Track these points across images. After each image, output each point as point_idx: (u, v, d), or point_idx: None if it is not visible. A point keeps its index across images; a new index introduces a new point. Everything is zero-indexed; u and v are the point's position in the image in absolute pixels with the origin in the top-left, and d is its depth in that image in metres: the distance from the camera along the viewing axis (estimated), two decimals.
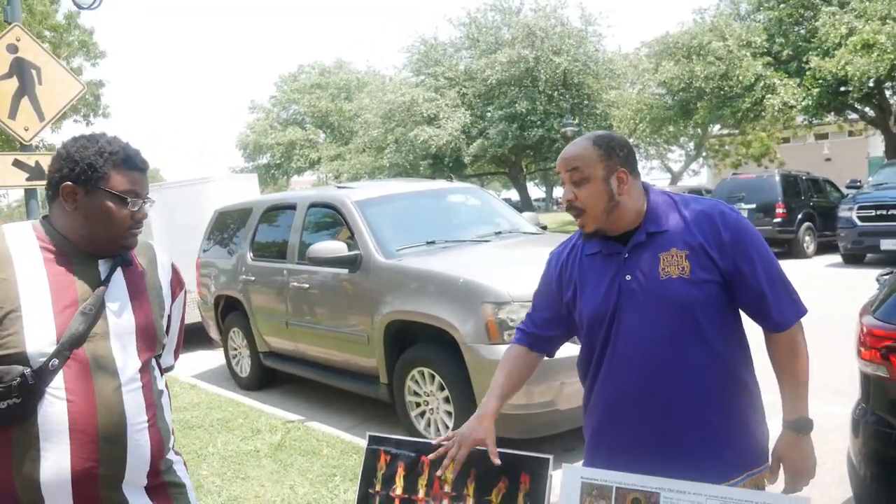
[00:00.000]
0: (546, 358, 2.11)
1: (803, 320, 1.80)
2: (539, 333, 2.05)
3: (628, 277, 1.78)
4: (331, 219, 5.80)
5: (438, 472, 2.02)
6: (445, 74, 27.63)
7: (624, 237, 1.81)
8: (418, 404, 4.70)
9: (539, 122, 25.65)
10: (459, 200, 6.23)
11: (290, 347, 6.08)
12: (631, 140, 27.43)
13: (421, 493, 2.08)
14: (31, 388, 1.52)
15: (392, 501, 2.10)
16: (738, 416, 1.78)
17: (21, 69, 6.07)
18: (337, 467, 4.18)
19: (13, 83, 6.05)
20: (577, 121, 25.21)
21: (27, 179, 6.10)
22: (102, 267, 1.70)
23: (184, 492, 1.83)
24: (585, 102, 26.62)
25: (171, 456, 1.82)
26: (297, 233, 6.01)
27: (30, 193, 6.32)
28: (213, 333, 7.37)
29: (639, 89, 24.77)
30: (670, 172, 32.37)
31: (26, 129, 6.10)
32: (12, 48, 6.06)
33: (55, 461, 1.55)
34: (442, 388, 4.50)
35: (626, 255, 1.79)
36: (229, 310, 6.95)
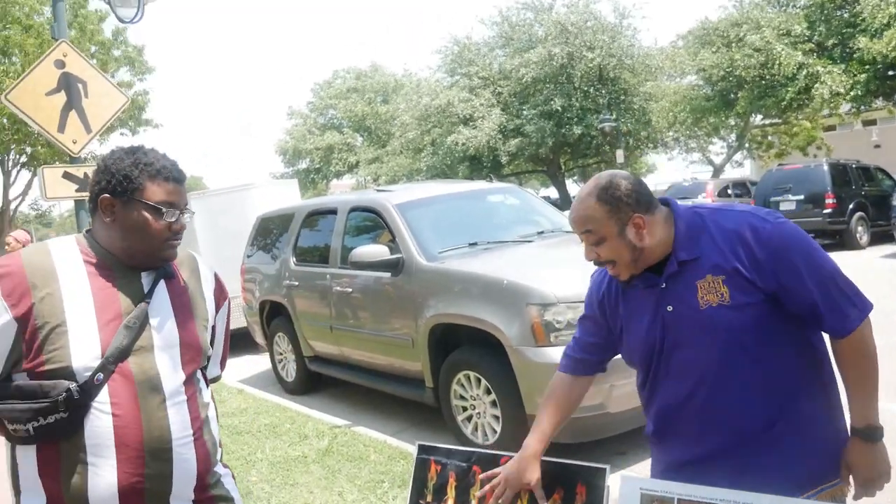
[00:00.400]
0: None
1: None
2: (588, 358, 1.99)
3: (670, 308, 1.72)
4: (372, 222, 5.79)
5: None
6: (479, 74, 27.51)
7: (659, 266, 1.74)
8: (465, 408, 4.66)
9: (576, 119, 25.38)
10: (499, 200, 6.18)
11: (335, 351, 6.10)
12: (670, 133, 27.04)
13: None
14: (77, 402, 1.54)
15: None
16: (807, 428, 1.70)
17: (68, 84, 6.20)
18: (385, 473, 4.16)
19: (61, 97, 6.18)
20: (614, 116, 24.89)
21: (76, 191, 6.23)
22: (145, 280, 1.70)
23: None
24: (622, 97, 26.24)
25: (218, 469, 1.81)
26: (339, 237, 6.02)
27: (79, 204, 6.46)
28: (259, 338, 7.44)
29: (676, 81, 24.39)
30: (712, 165, 31.72)
31: (74, 142, 6.23)
32: (60, 63, 6.20)
33: (102, 475, 1.56)
34: (488, 392, 4.45)
35: (664, 286, 1.72)
36: (274, 315, 7.01)
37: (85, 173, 6.26)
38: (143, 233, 1.65)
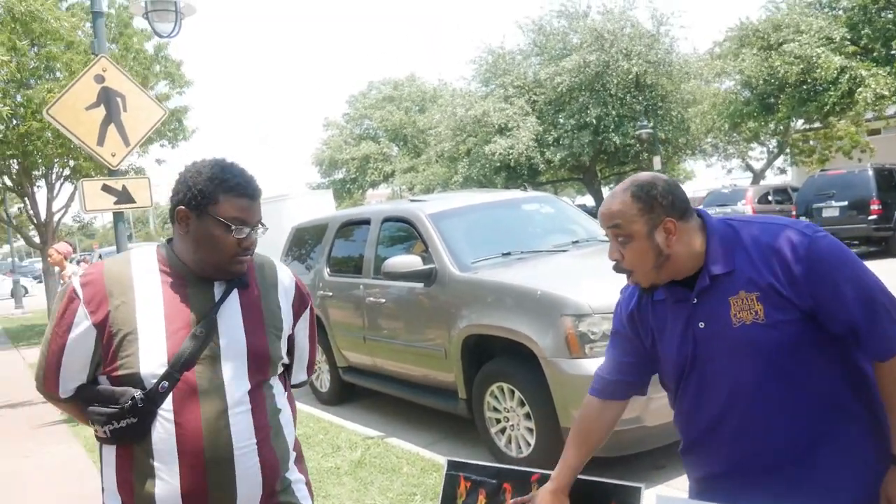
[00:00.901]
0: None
1: None
2: (623, 379, 1.88)
3: (702, 325, 1.64)
4: (405, 232, 5.78)
5: None
6: (514, 83, 27.47)
7: (690, 280, 1.66)
8: (498, 420, 4.60)
9: (613, 127, 25.16)
10: (534, 209, 6.11)
11: (368, 362, 6.09)
12: (708, 139, 26.63)
13: None
14: (142, 409, 1.60)
15: None
16: (851, 453, 1.60)
17: (108, 98, 6.32)
18: (417, 486, 4.12)
19: (101, 111, 6.30)
20: (651, 123, 24.62)
21: (115, 203, 6.34)
22: (217, 290, 1.73)
23: None
24: (660, 104, 25.94)
25: (291, 475, 1.81)
26: (373, 247, 6.02)
27: (118, 216, 6.58)
28: None
29: (715, 86, 24.03)
30: (752, 171, 31.13)
31: (113, 155, 6.35)
32: (100, 78, 6.32)
33: (167, 481, 1.62)
34: (522, 404, 4.39)
35: (695, 301, 1.65)
36: None
37: (123, 186, 6.37)
38: (213, 247, 1.68)
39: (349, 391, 6.66)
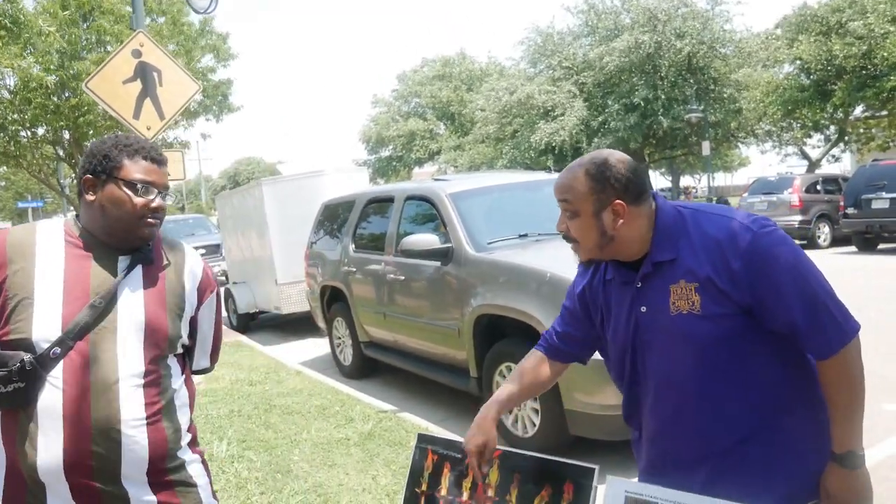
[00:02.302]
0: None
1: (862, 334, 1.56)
2: (560, 346, 1.95)
3: (643, 309, 1.64)
4: (427, 211, 5.82)
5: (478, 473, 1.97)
6: (562, 64, 27.13)
7: (639, 263, 1.65)
8: None
9: (662, 111, 24.67)
10: None
11: (388, 338, 6.18)
12: (761, 124, 25.92)
13: (465, 496, 2.03)
14: (31, 374, 1.59)
15: (437, 502, 2.07)
16: (788, 446, 1.58)
17: (144, 72, 6.48)
18: None
19: (137, 85, 6.47)
20: (702, 107, 24.08)
21: None
22: (122, 263, 1.74)
23: (194, 491, 1.80)
24: (712, 87, 25.32)
25: (184, 454, 1.80)
26: (395, 225, 6.08)
27: None
28: (320, 322, 7.62)
29: (772, 71, 23.30)
30: (808, 159, 30.19)
31: (149, 128, 6.52)
32: (137, 53, 6.48)
33: (50, 448, 1.60)
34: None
35: (639, 285, 1.64)
36: (334, 300, 7.16)
37: None
38: (120, 209, 1.70)
39: (371, 366, 6.78)
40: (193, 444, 1.86)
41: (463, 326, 4.93)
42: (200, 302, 1.89)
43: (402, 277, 5.74)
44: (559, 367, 1.98)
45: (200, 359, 1.98)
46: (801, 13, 20.90)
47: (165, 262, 1.83)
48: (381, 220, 6.44)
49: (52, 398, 1.60)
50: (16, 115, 14.85)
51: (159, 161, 1.76)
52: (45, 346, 1.60)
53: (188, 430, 1.83)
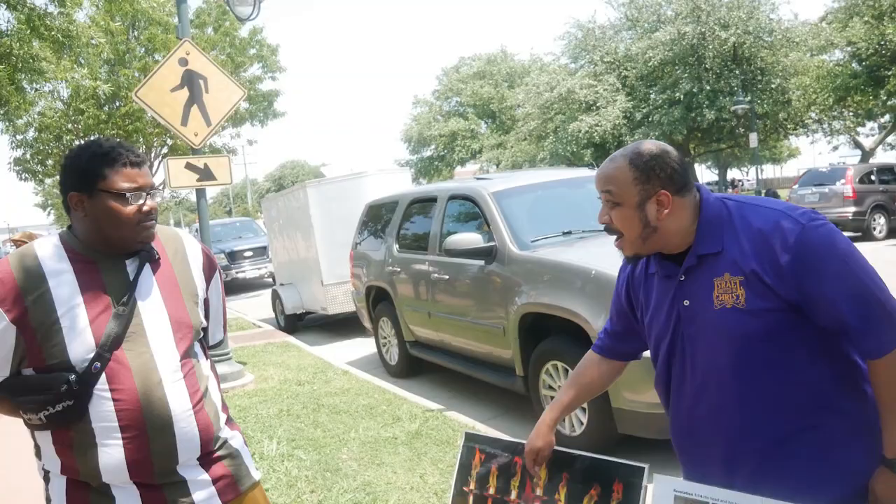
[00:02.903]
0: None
1: None
2: (613, 345, 1.96)
3: (686, 303, 1.62)
4: (470, 210, 5.83)
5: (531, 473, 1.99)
6: (604, 59, 26.83)
7: (682, 256, 1.62)
8: (553, 398, 4.61)
9: (707, 103, 24.20)
10: None
11: (433, 337, 6.20)
12: (811, 113, 25.23)
13: (513, 495, 2.04)
14: (77, 392, 1.63)
15: (485, 501, 2.08)
16: (828, 445, 1.53)
17: (191, 80, 6.63)
18: None
19: (184, 93, 6.63)
20: (748, 98, 23.55)
21: (197, 180, 6.68)
22: (130, 267, 1.76)
23: (240, 462, 1.89)
24: (759, 77, 24.74)
25: (223, 433, 1.87)
26: (438, 224, 6.11)
27: (200, 193, 6.93)
28: (366, 322, 7.69)
29: (822, 57, 22.66)
30: (860, 148, 29.27)
31: (196, 135, 6.67)
32: (183, 61, 6.64)
33: (111, 454, 1.66)
34: None
35: (682, 279, 1.62)
36: (379, 300, 7.22)
37: (205, 164, 6.70)
38: (115, 220, 1.70)
39: (417, 365, 6.81)
40: (229, 420, 1.94)
41: (508, 325, 4.92)
42: (208, 282, 1.94)
43: (447, 277, 5.76)
44: (615, 365, 1.99)
45: (216, 332, 2.04)
46: None
47: (168, 254, 1.85)
48: (424, 220, 6.47)
49: (104, 409, 1.66)
50: (69, 126, 15.36)
51: (139, 163, 1.74)
52: (84, 364, 1.64)
53: (223, 410, 1.91)
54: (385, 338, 7.19)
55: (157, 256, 1.82)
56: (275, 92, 18.73)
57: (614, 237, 1.67)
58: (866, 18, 19.17)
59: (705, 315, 1.58)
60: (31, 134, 15.50)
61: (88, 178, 1.68)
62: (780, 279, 1.48)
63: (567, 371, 4.45)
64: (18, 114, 12.09)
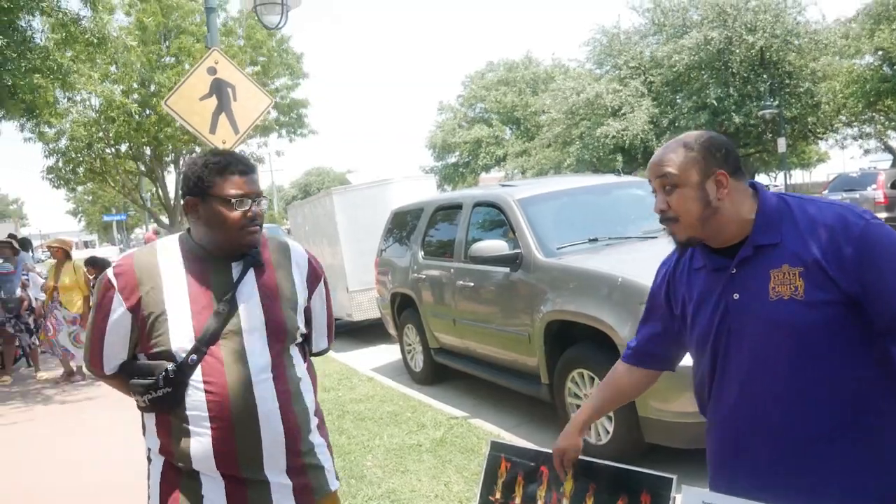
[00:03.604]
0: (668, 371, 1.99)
1: None
2: (643, 349, 1.93)
3: (736, 296, 1.59)
4: (495, 217, 5.83)
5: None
6: (629, 64, 26.68)
7: (731, 250, 1.61)
8: (578, 406, 4.59)
9: (734, 108, 23.95)
10: (626, 195, 5.99)
11: (458, 344, 6.20)
12: (841, 117, 24.85)
13: None
14: (175, 380, 1.79)
15: None
16: (871, 447, 1.52)
17: (219, 88, 6.70)
18: None
19: (213, 101, 6.70)
20: (776, 102, 23.26)
21: None
22: (235, 270, 1.90)
23: (322, 473, 1.97)
24: (787, 81, 24.43)
25: (314, 438, 1.97)
26: (464, 231, 6.11)
27: None
28: (391, 329, 7.71)
29: (851, 62, 22.30)
30: (892, 153, 28.76)
31: (224, 143, 6.72)
32: (212, 70, 6.72)
33: (200, 442, 1.80)
34: None
35: (734, 271, 1.59)
36: (404, 306, 7.23)
37: None
38: (222, 224, 1.84)
39: (441, 372, 6.80)
40: (321, 426, 2.03)
41: (533, 332, 4.91)
42: (311, 291, 2.05)
43: (472, 284, 5.76)
44: (647, 374, 1.97)
45: (319, 342, 2.15)
46: (881, 2, 19.94)
47: (273, 261, 1.97)
48: (449, 227, 6.48)
49: (196, 399, 1.80)
50: (101, 134, 15.63)
51: (248, 171, 1.88)
52: (183, 354, 1.80)
53: (315, 414, 2.00)
54: (410, 345, 7.20)
55: (261, 262, 1.93)
56: (303, 101, 18.91)
57: (661, 227, 1.67)
58: (895, 25, 18.84)
59: (758, 307, 1.55)
60: (62, 142, 15.81)
61: (201, 184, 1.84)
62: (843, 271, 1.48)
63: (593, 379, 4.42)
64: (51, 124, 12.33)
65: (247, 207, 1.84)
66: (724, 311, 1.61)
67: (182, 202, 1.93)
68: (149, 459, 1.94)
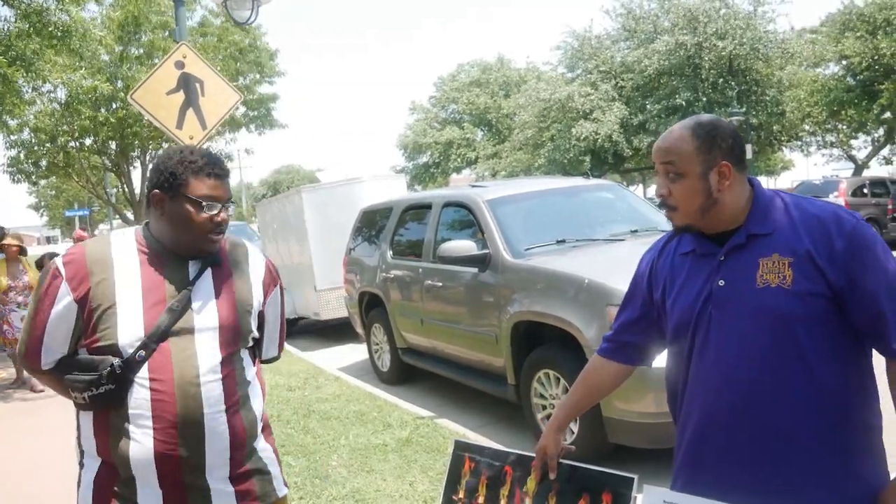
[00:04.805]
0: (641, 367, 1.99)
1: None
2: (620, 339, 1.91)
3: (721, 282, 1.59)
4: (464, 217, 5.83)
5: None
6: (600, 68, 26.92)
7: (722, 237, 1.62)
8: (544, 406, 4.62)
9: (703, 113, 24.28)
10: (595, 198, 6.04)
11: (426, 344, 6.19)
12: (805, 126, 25.36)
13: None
14: (120, 376, 1.72)
15: None
16: (847, 455, 1.53)
17: (187, 83, 6.60)
18: None
19: (180, 96, 6.60)
20: (744, 109, 23.65)
21: None
22: (192, 267, 1.85)
23: (268, 478, 1.93)
24: (754, 89, 24.86)
25: (258, 443, 1.93)
26: (433, 231, 6.10)
27: None
28: (358, 328, 7.67)
29: (816, 71, 22.78)
30: (854, 162, 29.42)
31: (191, 138, 6.63)
32: (180, 64, 6.61)
33: (141, 443, 1.73)
34: (567, 392, 4.38)
35: (722, 258, 1.60)
36: (372, 306, 7.20)
37: None
38: (187, 225, 1.80)
39: (409, 372, 6.79)
40: (267, 432, 2.00)
41: (500, 333, 4.92)
42: (266, 295, 2.00)
43: (440, 284, 5.75)
44: (622, 369, 1.95)
45: (269, 349, 2.11)
46: (846, 11, 20.41)
47: (231, 262, 1.94)
48: (418, 227, 6.47)
49: (140, 397, 1.74)
50: (65, 127, 15.31)
51: (222, 175, 1.85)
52: (131, 350, 1.73)
53: (261, 420, 1.95)
54: (377, 344, 7.17)
55: (219, 261, 1.89)
56: (272, 96, 18.72)
57: (666, 210, 1.67)
58: (860, 33, 19.28)
59: (744, 294, 1.56)
60: (25, 134, 15.45)
61: (173, 180, 1.78)
62: (832, 263, 1.50)
63: (559, 380, 4.45)
64: (14, 114, 12.04)
65: (215, 212, 1.80)
66: (707, 297, 1.62)
67: (148, 194, 1.86)
68: (81, 465, 1.85)
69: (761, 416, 1.56)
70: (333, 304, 9.14)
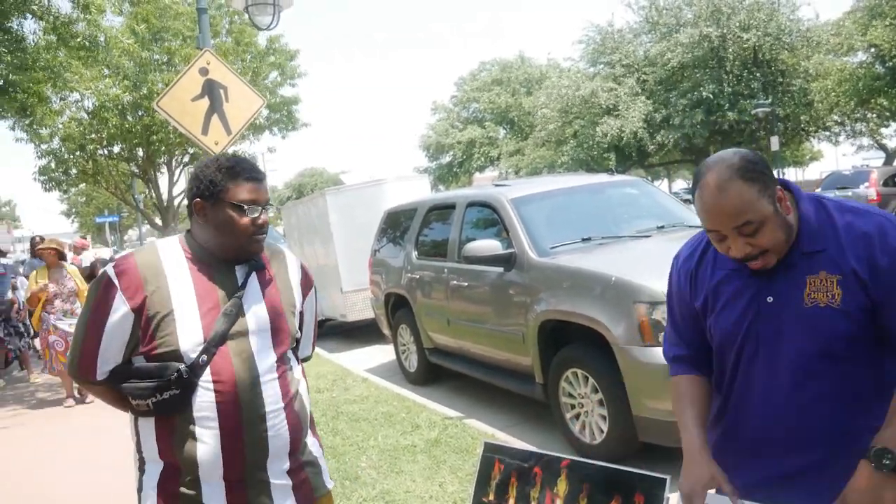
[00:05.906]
0: None
1: None
2: (686, 353, 1.83)
3: (770, 299, 1.57)
4: (488, 217, 5.82)
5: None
6: (622, 62, 26.70)
7: None
8: (573, 406, 4.59)
9: (728, 105, 23.98)
10: (620, 194, 5.99)
11: (453, 344, 6.19)
12: (833, 115, 24.91)
13: None
14: (186, 381, 1.77)
15: None
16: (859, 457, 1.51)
17: (211, 89, 6.68)
18: None
19: (205, 102, 6.67)
20: (770, 100, 23.31)
21: None
22: (239, 272, 1.91)
23: (318, 471, 2.01)
24: (780, 80, 24.49)
25: (308, 438, 2.01)
26: (457, 231, 6.10)
27: None
28: (385, 329, 7.69)
29: (844, 59, 22.35)
30: (884, 151, 28.87)
31: (216, 143, 6.70)
32: (204, 71, 6.69)
33: (208, 444, 1.79)
34: (595, 391, 4.35)
35: (771, 275, 1.58)
36: (398, 307, 7.21)
37: None
38: (232, 229, 1.85)
39: (436, 372, 6.79)
40: (313, 428, 2.07)
41: (527, 332, 4.90)
42: (304, 296, 2.07)
43: (465, 284, 5.75)
44: (699, 380, 1.82)
45: (305, 348, 2.16)
46: None
47: (272, 265, 2.00)
48: (443, 227, 6.47)
49: (205, 400, 1.79)
50: (93, 135, 15.55)
51: (260, 178, 1.90)
52: (193, 355, 1.78)
53: (309, 415, 2.03)
54: (404, 345, 7.18)
55: (263, 266, 1.95)
56: (294, 98, 18.83)
57: (752, 262, 1.57)
58: (888, 20, 18.87)
59: (794, 312, 1.55)
60: (55, 143, 15.73)
61: (213, 188, 1.84)
62: (874, 278, 1.48)
63: (587, 378, 4.42)
64: (44, 123, 12.26)
65: (256, 214, 1.85)
66: (755, 314, 1.60)
67: (189, 203, 1.90)
68: (141, 470, 1.88)
69: (807, 433, 1.57)
70: (360, 306, 9.17)
